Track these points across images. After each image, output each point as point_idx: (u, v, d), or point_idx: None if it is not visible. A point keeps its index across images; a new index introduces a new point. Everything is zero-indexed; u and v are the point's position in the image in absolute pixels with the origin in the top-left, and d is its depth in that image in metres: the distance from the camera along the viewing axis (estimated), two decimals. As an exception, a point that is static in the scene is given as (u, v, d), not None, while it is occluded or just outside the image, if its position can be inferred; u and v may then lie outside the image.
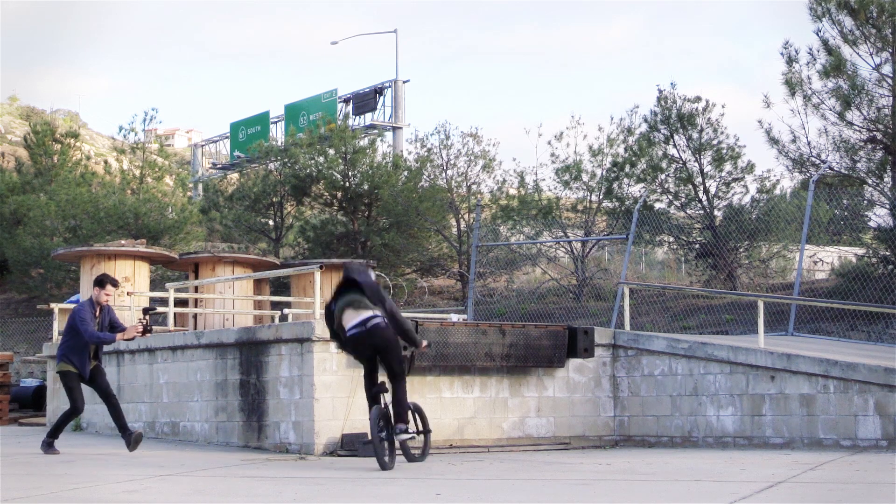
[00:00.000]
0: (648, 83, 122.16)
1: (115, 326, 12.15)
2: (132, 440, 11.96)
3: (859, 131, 19.86)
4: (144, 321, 11.88)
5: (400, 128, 37.79)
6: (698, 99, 23.31)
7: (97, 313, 12.09)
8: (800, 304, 17.60)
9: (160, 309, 17.03)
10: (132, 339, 12.17)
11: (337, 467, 11.04)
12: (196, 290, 20.16)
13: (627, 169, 24.65)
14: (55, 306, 18.80)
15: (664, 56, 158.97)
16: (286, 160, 29.43)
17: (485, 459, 12.10)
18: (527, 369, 14.06)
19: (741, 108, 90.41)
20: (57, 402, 17.30)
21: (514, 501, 8.23)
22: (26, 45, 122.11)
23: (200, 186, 39.80)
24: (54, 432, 12.41)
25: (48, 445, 12.30)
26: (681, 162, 23.34)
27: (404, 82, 38.26)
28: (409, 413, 10.67)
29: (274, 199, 29.83)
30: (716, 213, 23.14)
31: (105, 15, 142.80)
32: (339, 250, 27.80)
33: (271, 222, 30.43)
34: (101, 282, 12.15)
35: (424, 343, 10.89)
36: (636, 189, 24.45)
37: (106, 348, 14.58)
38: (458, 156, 27.87)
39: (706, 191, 23.07)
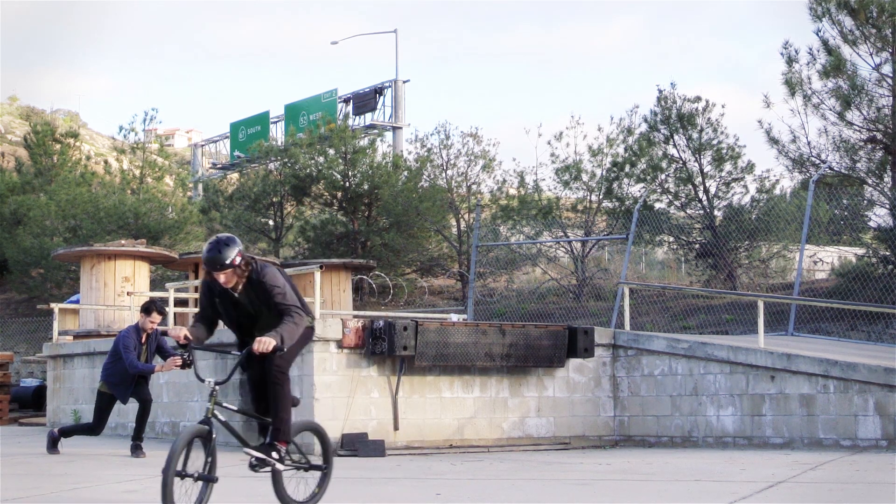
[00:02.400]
0: (648, 83, 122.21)
1: (164, 351, 12.14)
2: (138, 453, 11.98)
3: (859, 131, 19.85)
4: (185, 355, 11.82)
5: (400, 128, 37.76)
6: (698, 99, 23.31)
7: (143, 339, 12.08)
8: (800, 304, 17.60)
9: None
10: (170, 370, 12.15)
11: (337, 467, 11.02)
12: (196, 289, 20.16)
13: (627, 169, 24.64)
14: (55, 306, 18.79)
15: (664, 56, 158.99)
16: (286, 160, 29.42)
17: (485, 459, 12.10)
18: (527, 369, 14.05)
19: (741, 108, 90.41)
20: (57, 401, 17.30)
21: (514, 501, 8.23)
22: (26, 45, 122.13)
23: (200, 186, 39.77)
24: (66, 432, 12.43)
25: (52, 444, 12.31)
26: (681, 162, 23.33)
27: (404, 82, 38.24)
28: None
29: (274, 199, 29.81)
30: (716, 213, 23.12)
31: (105, 15, 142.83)
32: (339, 250, 27.78)
33: (271, 222, 30.42)
34: (148, 309, 12.12)
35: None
36: (636, 189, 24.43)
37: (105, 347, 14.58)
38: (458, 156, 27.87)
39: (706, 191, 23.07)
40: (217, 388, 7.06)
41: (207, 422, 6.94)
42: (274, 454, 7.32)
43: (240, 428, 7.57)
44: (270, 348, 6.97)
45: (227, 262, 7.15)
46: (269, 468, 7.33)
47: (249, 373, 7.57)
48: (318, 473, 7.63)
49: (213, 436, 6.91)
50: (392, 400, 13.11)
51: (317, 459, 7.73)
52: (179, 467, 6.71)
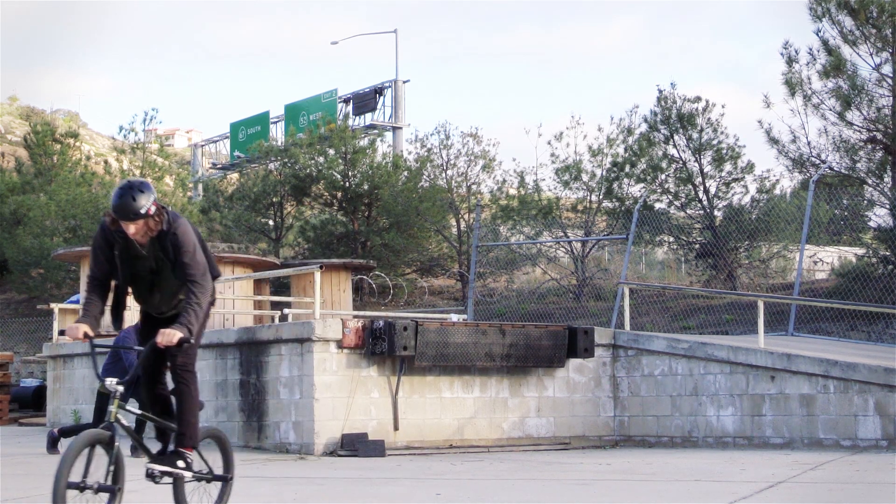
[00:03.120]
0: (648, 83, 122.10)
1: None
2: (137, 454, 11.96)
3: (859, 131, 19.85)
4: None
5: (400, 128, 37.77)
6: (698, 99, 23.31)
7: None
8: (800, 304, 17.60)
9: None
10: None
11: (337, 467, 11.04)
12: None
13: (627, 169, 24.64)
14: (55, 306, 18.80)
15: (664, 56, 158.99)
16: (286, 160, 29.43)
17: (485, 459, 12.10)
18: (527, 369, 14.05)
19: (741, 108, 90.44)
20: (57, 401, 17.30)
21: (514, 501, 8.23)
22: (26, 45, 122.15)
23: (200, 186, 39.79)
24: (65, 433, 12.44)
25: (52, 444, 12.33)
26: (681, 162, 23.33)
27: (404, 82, 38.24)
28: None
29: (274, 199, 29.83)
30: (716, 213, 23.12)
31: (105, 15, 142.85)
32: (339, 250, 27.80)
33: (271, 222, 30.43)
34: None
35: None
36: (636, 189, 24.43)
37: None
38: (458, 156, 27.89)
39: (706, 191, 23.07)
40: (120, 389, 6.22)
41: (110, 427, 6.10)
42: (180, 462, 6.53)
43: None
44: (175, 341, 6.21)
45: (142, 211, 6.23)
46: (170, 478, 6.54)
47: (144, 364, 6.65)
48: (219, 484, 6.89)
49: (116, 442, 6.08)
50: (392, 400, 13.11)
51: (218, 468, 6.92)
52: (77, 478, 5.86)
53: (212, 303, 6.67)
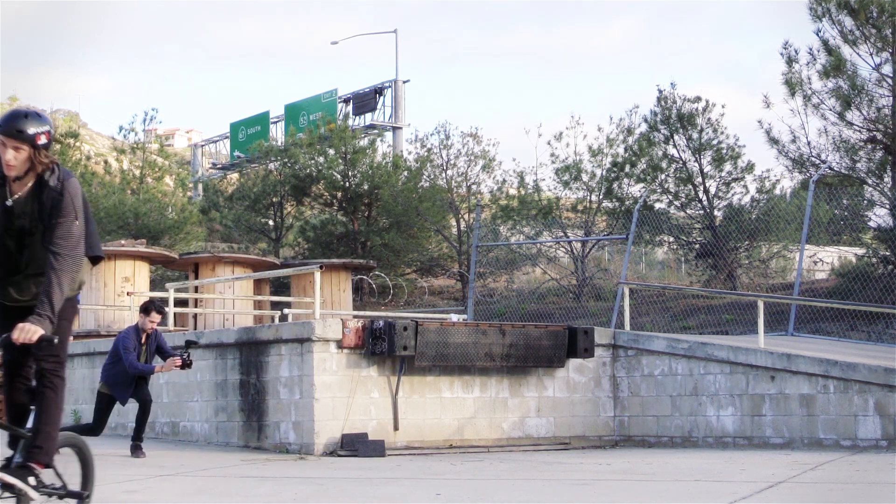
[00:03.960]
0: (648, 83, 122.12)
1: (163, 351, 12.09)
2: (138, 454, 11.95)
3: (859, 131, 19.86)
4: (185, 355, 11.74)
5: (400, 128, 37.79)
6: (698, 99, 23.33)
7: (143, 340, 12.03)
8: (800, 304, 17.60)
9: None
10: (170, 371, 12.09)
11: (337, 467, 11.03)
12: (196, 289, 20.17)
13: (627, 169, 24.66)
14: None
15: (664, 56, 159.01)
16: (286, 160, 29.45)
17: (485, 459, 12.11)
18: (527, 369, 14.05)
19: (741, 108, 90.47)
20: (57, 402, 17.31)
21: (514, 501, 8.23)
22: (26, 45, 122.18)
23: (200, 186, 39.81)
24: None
25: None
26: (681, 162, 23.34)
27: (404, 82, 38.26)
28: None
29: (274, 199, 29.84)
30: (716, 213, 23.14)
31: (105, 15, 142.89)
32: (339, 250, 27.81)
33: (271, 222, 30.45)
34: (147, 309, 12.06)
35: None
36: (636, 189, 24.45)
37: (105, 348, 14.57)
38: (458, 156, 27.91)
39: (706, 191, 23.07)
40: None
41: None
42: (30, 479, 5.40)
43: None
44: (35, 339, 5.15)
45: (29, 131, 5.15)
46: (13, 495, 5.39)
47: (4, 356, 5.66)
48: (73, 502, 5.82)
49: None
50: (392, 400, 13.11)
51: (75, 482, 5.94)
52: None
53: (79, 287, 5.58)
